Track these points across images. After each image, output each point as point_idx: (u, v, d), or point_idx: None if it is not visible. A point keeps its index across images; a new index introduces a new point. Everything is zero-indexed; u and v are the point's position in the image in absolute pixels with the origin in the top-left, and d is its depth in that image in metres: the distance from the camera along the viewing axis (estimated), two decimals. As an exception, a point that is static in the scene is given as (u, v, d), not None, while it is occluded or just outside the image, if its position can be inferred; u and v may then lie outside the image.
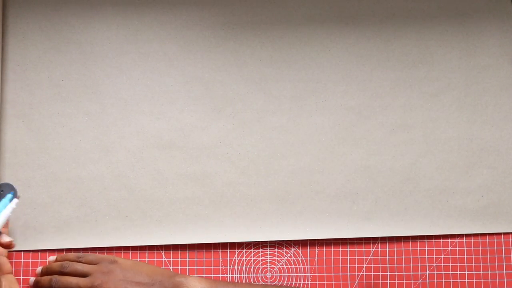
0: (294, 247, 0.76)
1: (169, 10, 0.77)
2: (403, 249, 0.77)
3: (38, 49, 0.76)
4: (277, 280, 0.76)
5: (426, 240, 0.77)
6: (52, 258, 0.73)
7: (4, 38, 0.75)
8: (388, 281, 0.76)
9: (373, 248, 0.76)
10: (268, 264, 0.76)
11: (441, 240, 0.77)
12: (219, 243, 0.76)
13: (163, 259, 0.75)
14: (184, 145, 0.76)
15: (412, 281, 0.76)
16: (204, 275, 0.75)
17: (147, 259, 0.75)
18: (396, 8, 0.78)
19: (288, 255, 0.76)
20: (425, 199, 0.77)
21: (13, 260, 0.74)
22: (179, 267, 0.75)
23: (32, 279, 0.71)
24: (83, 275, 0.69)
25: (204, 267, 0.75)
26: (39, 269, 0.72)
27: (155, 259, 0.75)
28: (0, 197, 0.71)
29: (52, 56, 0.76)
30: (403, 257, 0.77)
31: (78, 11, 0.77)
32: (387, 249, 0.76)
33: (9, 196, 0.69)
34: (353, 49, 0.78)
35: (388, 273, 0.76)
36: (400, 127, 0.77)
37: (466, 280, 0.76)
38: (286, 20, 0.78)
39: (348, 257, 0.76)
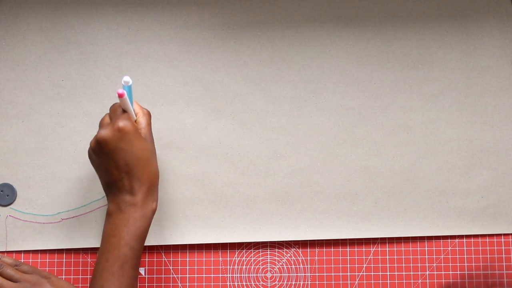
0: (294, 247, 0.76)
1: (169, 10, 0.77)
2: (403, 249, 0.77)
3: (38, 49, 0.76)
4: (277, 280, 0.76)
5: (426, 241, 0.77)
6: None
7: (4, 38, 0.75)
8: (388, 281, 0.76)
9: (373, 248, 0.76)
10: (268, 264, 0.76)
11: (441, 241, 0.77)
12: (219, 243, 0.76)
13: (163, 259, 0.75)
14: (184, 145, 0.76)
15: (412, 281, 0.76)
16: (204, 275, 0.75)
17: (147, 259, 0.75)
18: (396, 9, 0.78)
19: (288, 255, 0.76)
20: (425, 200, 0.77)
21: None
22: (179, 267, 0.75)
23: None
24: (13, 280, 0.68)
25: (204, 267, 0.75)
26: None
27: (155, 259, 0.75)
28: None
29: (52, 56, 0.76)
30: (403, 257, 0.77)
31: (78, 11, 0.77)
32: (387, 249, 0.76)
33: (127, 88, 0.64)
34: (353, 50, 0.78)
35: (388, 273, 0.76)
36: (400, 128, 0.77)
37: (466, 280, 0.76)
38: (286, 20, 0.78)
39: (348, 257, 0.76)
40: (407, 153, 0.77)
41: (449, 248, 0.77)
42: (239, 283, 0.76)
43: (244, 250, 0.76)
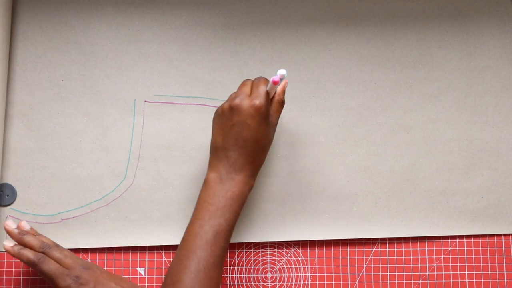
0: (294, 247, 0.76)
1: (169, 10, 0.77)
2: (403, 249, 0.77)
3: (38, 49, 0.76)
4: (277, 280, 0.76)
5: (426, 241, 0.77)
6: (26, 226, 0.71)
7: (5, 38, 0.75)
8: (388, 281, 0.76)
9: (373, 248, 0.76)
10: (268, 264, 0.76)
11: (441, 241, 0.77)
12: (219, 244, 0.76)
13: (163, 259, 0.75)
14: (184, 146, 0.76)
15: (412, 281, 0.76)
16: (204, 275, 0.75)
17: (147, 259, 0.75)
18: (396, 9, 0.78)
19: (288, 255, 0.76)
20: (425, 200, 0.77)
21: (13, 261, 0.74)
22: (179, 267, 0.75)
23: (7, 244, 0.68)
24: (62, 265, 0.67)
25: (204, 267, 0.75)
26: (15, 231, 0.69)
27: (155, 259, 0.75)
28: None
29: (52, 56, 0.76)
30: (403, 257, 0.77)
31: (78, 11, 0.77)
32: (387, 249, 0.76)
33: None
34: (353, 49, 0.78)
35: (388, 273, 0.76)
36: (400, 128, 0.77)
37: (466, 281, 0.76)
38: (286, 20, 0.78)
39: (348, 257, 0.76)
40: (407, 153, 0.77)
41: (449, 248, 0.77)
42: (239, 283, 0.76)
43: (244, 250, 0.76)
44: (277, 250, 0.76)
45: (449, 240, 0.77)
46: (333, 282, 0.76)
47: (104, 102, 0.76)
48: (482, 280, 0.76)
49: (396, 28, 0.78)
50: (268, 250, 0.76)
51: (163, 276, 0.75)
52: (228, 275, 0.75)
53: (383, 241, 0.76)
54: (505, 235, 0.77)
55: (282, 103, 0.68)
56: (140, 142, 0.76)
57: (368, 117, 0.77)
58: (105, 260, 0.75)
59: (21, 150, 0.75)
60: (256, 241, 0.76)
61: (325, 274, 0.76)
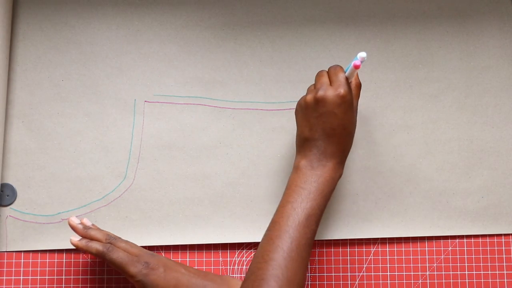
0: (294, 247, 0.76)
1: (169, 10, 0.77)
2: (403, 249, 0.77)
3: (38, 49, 0.76)
4: (277, 280, 0.76)
5: (426, 241, 0.77)
6: (88, 222, 0.72)
7: (5, 38, 0.75)
8: (388, 281, 0.76)
9: (373, 248, 0.76)
10: (268, 264, 0.76)
11: (441, 241, 0.77)
12: (219, 243, 0.76)
13: (163, 259, 0.75)
14: (184, 146, 0.76)
15: (412, 281, 0.76)
16: (204, 275, 0.75)
17: (147, 259, 0.75)
18: (396, 9, 0.78)
19: (288, 255, 0.76)
20: (425, 200, 0.77)
21: (13, 260, 0.74)
22: (179, 267, 0.75)
23: (74, 238, 0.69)
24: (130, 253, 0.69)
25: (204, 267, 0.75)
26: (79, 226, 0.70)
27: (155, 259, 0.75)
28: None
29: (52, 56, 0.76)
30: (403, 257, 0.77)
31: (78, 11, 0.77)
32: (387, 249, 0.76)
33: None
34: (353, 49, 0.78)
35: (388, 273, 0.76)
36: (400, 128, 0.77)
37: (466, 281, 0.76)
38: (286, 20, 0.78)
39: (348, 257, 0.76)
40: (407, 153, 0.77)
41: (449, 248, 0.77)
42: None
43: (244, 250, 0.76)
44: (277, 250, 0.76)
45: (449, 240, 0.77)
46: (333, 282, 0.76)
47: (104, 102, 0.76)
48: (482, 280, 0.76)
49: (396, 28, 0.78)
50: (268, 250, 0.76)
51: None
52: (228, 275, 0.75)
53: (383, 241, 0.76)
54: (505, 235, 0.77)
55: (360, 86, 0.69)
56: (140, 142, 0.76)
57: (368, 117, 0.77)
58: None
59: (21, 150, 0.75)
60: (256, 241, 0.76)
61: (325, 274, 0.76)
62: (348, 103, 0.65)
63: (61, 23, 0.76)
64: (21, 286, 0.74)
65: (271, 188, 0.76)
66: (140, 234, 0.75)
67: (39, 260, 0.75)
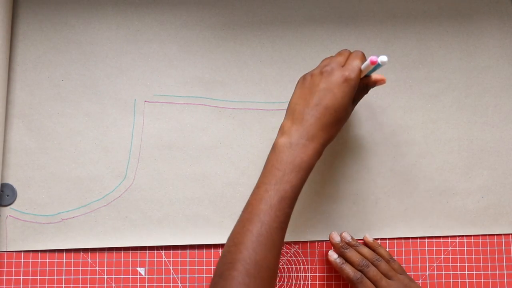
0: (294, 247, 0.76)
1: (169, 10, 0.77)
2: (403, 249, 0.77)
3: (38, 49, 0.76)
4: (277, 280, 0.76)
5: (426, 240, 0.77)
6: (347, 236, 0.75)
7: (5, 38, 0.75)
8: (388, 281, 0.76)
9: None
10: (268, 264, 0.76)
11: (441, 240, 0.77)
12: (219, 243, 0.76)
13: (163, 259, 0.75)
14: (184, 146, 0.76)
15: (412, 281, 0.76)
16: (204, 275, 0.75)
17: (147, 259, 0.75)
18: (396, 8, 0.78)
19: (288, 255, 0.76)
20: (425, 200, 0.77)
21: (13, 260, 0.74)
22: (179, 267, 0.75)
23: (332, 256, 0.73)
24: (387, 277, 0.71)
25: (204, 267, 0.75)
26: (337, 244, 0.73)
27: (155, 259, 0.75)
28: None
29: (52, 56, 0.76)
30: (403, 257, 0.76)
31: (78, 11, 0.77)
32: (387, 249, 0.76)
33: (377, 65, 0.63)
34: (353, 49, 0.77)
35: (388, 273, 0.76)
36: (400, 128, 0.77)
37: (466, 280, 0.76)
38: (286, 20, 0.78)
39: (348, 257, 0.76)
40: (407, 153, 0.77)
41: (449, 248, 0.77)
42: (239, 283, 0.75)
43: (244, 250, 0.76)
44: (277, 250, 0.76)
45: (449, 240, 0.77)
46: (333, 282, 0.76)
47: (104, 102, 0.76)
48: (482, 280, 0.76)
49: (396, 28, 0.78)
50: (268, 250, 0.76)
51: (163, 276, 0.75)
52: None
53: (383, 241, 0.76)
54: (505, 235, 0.77)
55: (368, 89, 0.67)
56: (140, 142, 0.76)
57: (368, 117, 0.77)
58: (105, 260, 0.75)
59: (21, 150, 0.75)
60: (256, 241, 0.76)
61: (325, 274, 0.76)
62: (350, 89, 0.63)
63: (61, 23, 0.76)
64: (21, 286, 0.74)
65: (271, 188, 0.76)
66: (140, 234, 0.75)
67: (39, 260, 0.75)
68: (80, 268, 0.75)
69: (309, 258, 0.76)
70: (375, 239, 0.76)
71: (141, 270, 0.75)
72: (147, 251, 0.75)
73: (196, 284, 0.75)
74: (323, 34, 0.78)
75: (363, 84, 0.66)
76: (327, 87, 0.63)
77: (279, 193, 0.61)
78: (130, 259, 0.75)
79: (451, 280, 0.76)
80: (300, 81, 0.67)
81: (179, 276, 0.75)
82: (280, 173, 0.62)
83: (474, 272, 0.77)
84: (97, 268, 0.75)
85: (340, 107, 0.63)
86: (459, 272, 0.76)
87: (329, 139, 0.64)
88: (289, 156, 0.62)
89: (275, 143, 0.64)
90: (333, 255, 0.73)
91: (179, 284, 0.75)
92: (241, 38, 0.77)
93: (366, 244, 0.75)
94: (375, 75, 0.66)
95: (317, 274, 0.76)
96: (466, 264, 0.77)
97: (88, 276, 0.75)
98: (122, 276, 0.75)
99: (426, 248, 0.77)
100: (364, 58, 0.65)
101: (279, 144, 0.63)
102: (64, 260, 0.75)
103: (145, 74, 0.77)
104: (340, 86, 0.63)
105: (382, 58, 0.60)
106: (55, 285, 0.74)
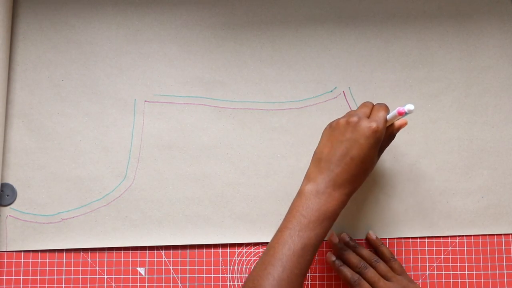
0: (294, 247, 0.76)
1: (169, 10, 0.77)
2: (403, 249, 0.77)
3: (38, 49, 0.76)
4: (277, 280, 0.76)
5: (426, 240, 0.77)
6: (345, 237, 0.75)
7: (5, 38, 0.75)
8: (388, 281, 0.76)
9: (373, 248, 0.76)
10: (268, 264, 0.76)
11: (441, 240, 0.77)
12: (219, 243, 0.76)
13: (163, 259, 0.75)
14: (184, 146, 0.76)
15: (412, 281, 0.76)
16: (204, 275, 0.75)
17: (147, 259, 0.75)
18: (396, 8, 0.78)
19: (288, 255, 0.76)
20: (425, 200, 0.77)
21: (13, 260, 0.74)
22: (179, 267, 0.75)
23: (330, 257, 0.74)
24: (385, 278, 0.71)
25: (204, 267, 0.75)
26: (336, 245, 0.74)
27: (155, 259, 0.75)
28: None
29: (52, 56, 0.76)
30: (403, 257, 0.76)
31: (78, 11, 0.77)
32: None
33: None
34: (353, 49, 0.78)
35: (388, 273, 0.76)
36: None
37: (466, 280, 0.76)
38: (286, 20, 0.78)
39: (348, 257, 0.76)
40: (407, 153, 0.77)
41: (449, 248, 0.77)
42: (239, 283, 0.76)
43: (244, 250, 0.76)
44: (277, 250, 0.76)
45: (449, 240, 0.77)
46: (333, 282, 0.76)
47: (104, 102, 0.76)
48: (482, 280, 0.76)
49: (396, 28, 0.78)
50: (268, 250, 0.76)
51: (163, 276, 0.75)
52: (228, 275, 0.75)
53: (383, 241, 0.76)
54: (505, 235, 0.77)
55: (393, 137, 0.68)
56: (140, 142, 0.76)
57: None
58: (105, 260, 0.75)
59: (21, 150, 0.75)
60: (256, 241, 0.76)
61: (325, 274, 0.76)
62: (376, 140, 0.64)
63: (61, 23, 0.76)
64: (21, 286, 0.74)
65: (271, 188, 0.76)
66: (140, 234, 0.75)
67: (39, 260, 0.75)
68: (80, 268, 0.75)
69: (309, 258, 0.76)
70: (375, 239, 0.77)
71: (141, 270, 0.75)
72: (147, 251, 0.75)
73: (196, 284, 0.75)
74: (323, 34, 0.78)
75: (388, 133, 0.67)
76: (354, 138, 0.64)
77: (302, 240, 0.61)
78: (130, 259, 0.75)
79: (451, 280, 0.76)
80: (326, 130, 0.67)
81: (179, 276, 0.75)
82: (305, 220, 0.62)
83: (474, 272, 0.77)
84: (97, 268, 0.75)
85: (367, 158, 0.64)
86: (459, 272, 0.76)
87: (355, 189, 0.65)
88: (315, 204, 0.63)
89: (301, 189, 0.65)
90: (331, 257, 0.74)
91: (179, 284, 0.75)
92: (241, 38, 0.77)
93: (368, 241, 0.76)
94: (398, 122, 0.67)
95: (317, 274, 0.76)
96: (466, 264, 0.77)
97: (88, 276, 0.75)
98: (122, 276, 0.75)
99: (426, 248, 0.77)
100: (387, 109, 0.66)
101: (306, 191, 0.64)
102: (64, 260, 0.75)
103: (145, 74, 0.77)
104: (367, 137, 0.63)
105: (409, 107, 0.61)
106: (55, 285, 0.74)
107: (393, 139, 0.68)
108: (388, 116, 0.65)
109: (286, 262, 0.60)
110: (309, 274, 0.76)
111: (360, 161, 0.63)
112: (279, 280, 0.60)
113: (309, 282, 0.76)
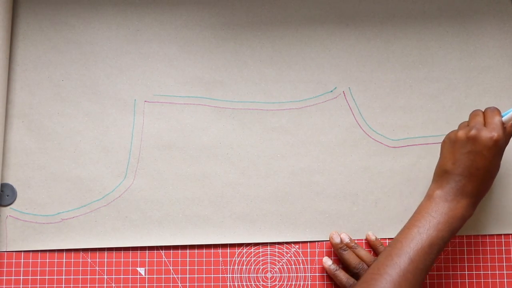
0: (294, 247, 0.76)
1: (169, 10, 0.77)
2: (403, 249, 0.77)
3: (38, 49, 0.76)
4: (277, 280, 0.76)
5: (426, 241, 0.77)
6: (345, 238, 0.75)
7: (5, 38, 0.75)
8: (388, 281, 0.76)
9: (372, 249, 0.76)
10: (268, 264, 0.76)
11: (441, 241, 0.77)
12: (219, 243, 0.76)
13: (163, 259, 0.75)
14: (184, 146, 0.76)
15: (412, 281, 0.76)
16: (204, 275, 0.75)
17: (147, 259, 0.75)
18: (396, 9, 0.78)
19: (288, 255, 0.76)
20: (425, 200, 0.77)
21: (13, 260, 0.74)
22: (179, 267, 0.75)
23: (326, 262, 0.74)
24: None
25: (204, 267, 0.75)
26: (336, 245, 0.74)
27: (155, 259, 0.75)
28: None
29: (52, 56, 0.76)
30: (403, 257, 0.76)
31: (78, 11, 0.77)
32: (387, 249, 0.76)
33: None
34: (353, 50, 0.78)
35: (388, 273, 0.76)
36: (400, 128, 0.77)
37: (466, 280, 0.76)
38: (286, 20, 0.78)
39: (348, 257, 0.76)
40: (407, 153, 0.77)
41: (449, 248, 0.77)
42: (239, 283, 0.76)
43: (244, 250, 0.76)
44: (277, 250, 0.76)
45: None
46: (333, 282, 0.76)
47: (104, 102, 0.76)
48: (482, 280, 0.76)
49: (396, 28, 0.78)
50: (268, 250, 0.76)
51: (163, 276, 0.75)
52: (228, 275, 0.75)
53: (383, 241, 0.76)
54: (505, 235, 0.77)
55: (510, 135, 0.69)
56: (140, 142, 0.76)
57: (368, 117, 0.77)
58: (105, 260, 0.75)
59: (21, 150, 0.75)
60: (256, 241, 0.76)
61: (325, 274, 0.76)
62: (499, 147, 0.66)
63: (61, 23, 0.76)
64: (21, 286, 0.74)
65: (270, 188, 0.76)
66: (140, 234, 0.75)
67: (39, 260, 0.75)
68: (80, 268, 0.75)
69: (309, 258, 0.76)
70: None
71: (141, 270, 0.75)
72: (147, 251, 0.75)
73: (196, 284, 0.75)
74: (323, 34, 0.78)
75: (506, 133, 0.68)
76: (476, 150, 0.65)
77: (430, 238, 0.64)
78: (130, 259, 0.75)
79: (451, 280, 0.76)
80: (446, 143, 0.69)
81: (179, 276, 0.75)
82: (435, 220, 0.65)
83: (474, 272, 0.76)
84: (97, 268, 0.75)
85: (492, 166, 0.66)
86: (459, 272, 0.76)
87: (481, 197, 0.68)
88: (444, 207, 0.66)
89: (430, 193, 0.68)
90: (327, 262, 0.74)
91: (179, 284, 0.75)
92: (241, 38, 0.77)
93: (368, 242, 0.75)
94: None
95: (317, 274, 0.76)
96: (466, 264, 0.76)
97: (88, 276, 0.75)
98: (122, 276, 0.75)
99: (426, 248, 0.77)
100: (499, 112, 0.68)
101: (436, 196, 0.67)
102: (64, 260, 0.75)
103: (145, 74, 0.77)
104: (490, 148, 0.65)
105: None
106: (55, 285, 0.74)
107: (510, 137, 0.69)
108: (504, 119, 0.67)
109: (413, 256, 0.63)
110: (309, 274, 0.76)
111: (486, 170, 0.66)
112: (405, 271, 0.62)
113: (309, 282, 0.76)
